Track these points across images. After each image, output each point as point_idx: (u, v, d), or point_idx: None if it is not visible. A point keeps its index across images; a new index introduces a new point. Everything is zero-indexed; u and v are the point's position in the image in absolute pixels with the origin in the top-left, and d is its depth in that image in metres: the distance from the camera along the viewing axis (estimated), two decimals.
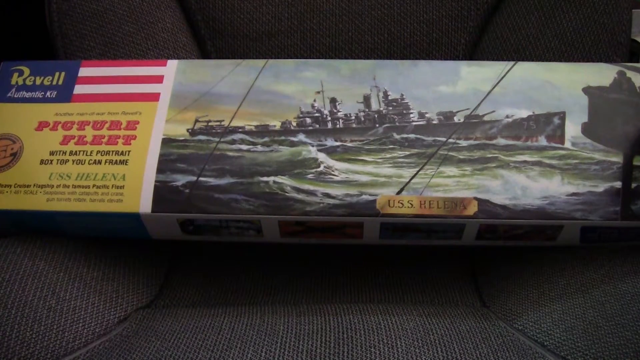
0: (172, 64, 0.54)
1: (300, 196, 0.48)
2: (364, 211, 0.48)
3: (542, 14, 0.60)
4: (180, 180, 0.49)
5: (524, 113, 0.50)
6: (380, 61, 0.53)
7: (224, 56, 0.66)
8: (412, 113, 0.51)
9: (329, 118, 0.51)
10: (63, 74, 0.54)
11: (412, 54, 0.65)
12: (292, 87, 0.52)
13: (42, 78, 0.54)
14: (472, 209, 0.47)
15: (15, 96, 0.53)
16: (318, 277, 0.57)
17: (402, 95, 0.52)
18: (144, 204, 0.48)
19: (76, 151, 0.50)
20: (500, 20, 0.63)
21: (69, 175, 0.49)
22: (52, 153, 0.50)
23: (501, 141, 0.50)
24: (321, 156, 0.50)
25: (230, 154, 0.50)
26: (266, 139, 0.50)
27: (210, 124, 0.51)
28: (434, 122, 0.51)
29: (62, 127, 0.51)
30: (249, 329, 0.45)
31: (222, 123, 0.51)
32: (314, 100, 0.52)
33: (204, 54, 0.66)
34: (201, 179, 0.49)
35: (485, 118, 0.50)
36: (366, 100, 0.52)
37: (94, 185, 0.49)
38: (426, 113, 0.51)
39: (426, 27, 0.64)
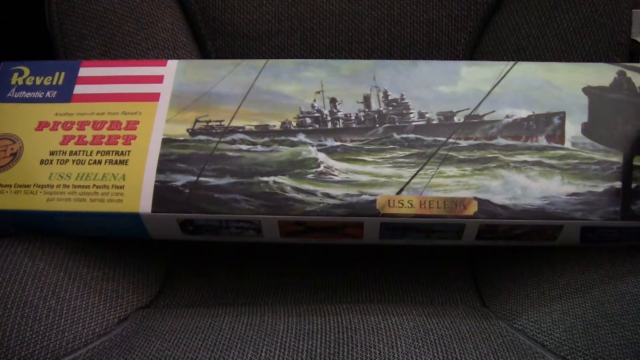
0: (172, 64, 0.54)
1: (300, 196, 0.48)
2: (364, 211, 0.48)
3: (542, 14, 0.60)
4: (180, 180, 0.49)
5: (524, 113, 0.50)
6: (380, 61, 0.53)
7: (224, 56, 0.66)
8: (412, 113, 0.51)
9: (329, 118, 0.51)
10: (63, 74, 0.54)
11: (412, 54, 0.65)
12: (292, 87, 0.52)
13: (42, 78, 0.54)
14: (472, 209, 0.47)
15: (15, 96, 0.53)
16: (318, 277, 0.57)
17: (402, 95, 0.52)
18: (144, 204, 0.48)
19: (76, 151, 0.50)
20: (500, 20, 0.63)
21: (69, 175, 0.49)
22: (52, 153, 0.50)
23: (501, 141, 0.50)
24: (321, 156, 0.50)
25: (230, 154, 0.50)
26: (266, 139, 0.50)
27: (210, 124, 0.51)
28: (434, 122, 0.51)
29: (62, 127, 0.51)
30: (249, 329, 0.45)
31: (222, 123, 0.51)
32: (314, 100, 0.52)
33: (204, 54, 0.66)
34: (201, 179, 0.49)
35: (485, 118, 0.50)
36: (366, 100, 0.52)
37: (94, 185, 0.49)
38: (426, 113, 0.51)
39: (426, 27, 0.64)
